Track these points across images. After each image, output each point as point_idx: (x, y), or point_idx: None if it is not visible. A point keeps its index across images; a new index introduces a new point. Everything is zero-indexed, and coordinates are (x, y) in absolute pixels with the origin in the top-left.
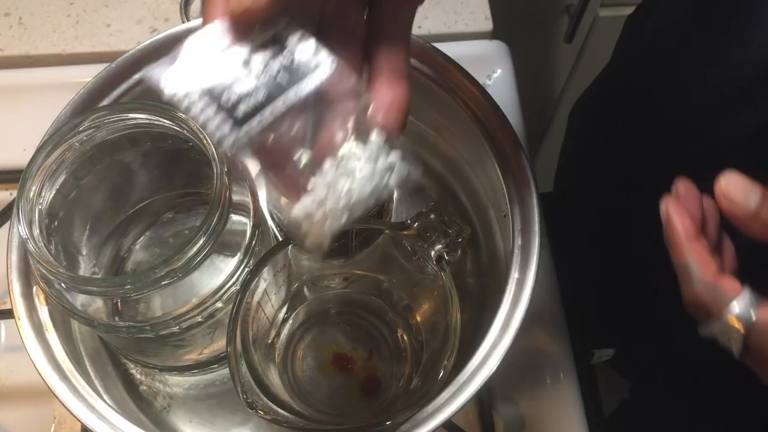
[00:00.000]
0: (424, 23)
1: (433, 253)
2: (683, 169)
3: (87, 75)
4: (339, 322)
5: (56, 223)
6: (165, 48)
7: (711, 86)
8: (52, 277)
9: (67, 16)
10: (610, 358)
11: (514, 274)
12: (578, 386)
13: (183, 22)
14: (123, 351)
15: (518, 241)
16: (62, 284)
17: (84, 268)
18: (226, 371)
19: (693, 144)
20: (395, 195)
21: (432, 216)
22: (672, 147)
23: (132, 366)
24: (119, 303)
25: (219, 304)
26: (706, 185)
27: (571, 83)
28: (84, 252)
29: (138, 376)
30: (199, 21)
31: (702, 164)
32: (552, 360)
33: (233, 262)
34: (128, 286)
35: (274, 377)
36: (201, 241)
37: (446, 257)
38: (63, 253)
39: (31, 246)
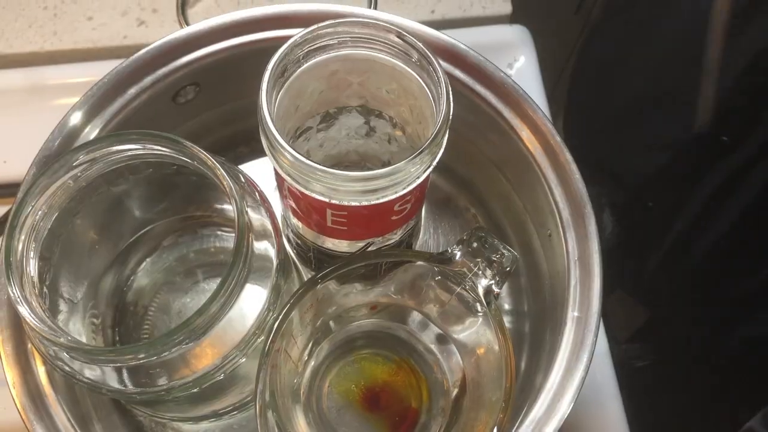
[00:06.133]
0: (437, 7)
1: (479, 287)
2: None
3: (69, 75)
4: (366, 355)
5: (50, 267)
6: (166, 55)
7: None
8: (51, 346)
9: (43, 9)
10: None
11: (573, 312)
12: (622, 408)
13: (180, 26)
14: (132, 405)
15: (575, 273)
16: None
17: (83, 306)
18: (243, 415)
19: None
20: (423, 211)
21: (475, 243)
22: None
23: (140, 415)
24: None
25: (242, 360)
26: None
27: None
28: (81, 288)
29: (147, 424)
30: (202, 25)
31: None
32: (596, 383)
33: (256, 310)
34: (141, 355)
35: (299, 418)
36: (224, 298)
37: (495, 290)
38: (58, 294)
39: (23, 311)
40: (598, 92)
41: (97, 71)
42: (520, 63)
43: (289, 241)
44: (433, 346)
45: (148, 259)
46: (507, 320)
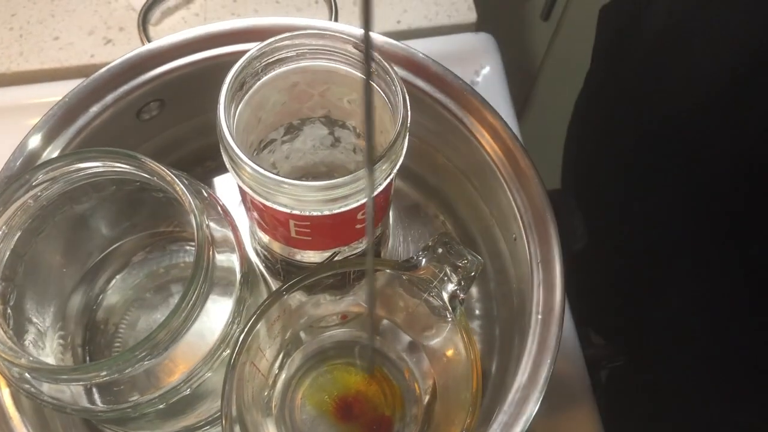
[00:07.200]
0: (403, 17)
1: (444, 293)
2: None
3: (37, 96)
4: (338, 364)
5: (14, 288)
6: (127, 72)
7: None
8: (13, 367)
9: (9, 30)
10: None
11: (537, 315)
12: (596, 409)
13: (142, 42)
14: (102, 424)
15: (539, 275)
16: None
17: (51, 325)
18: (216, 431)
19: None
20: (391, 219)
21: (440, 249)
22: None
23: None
24: None
25: (208, 374)
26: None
27: (548, 62)
28: (49, 307)
29: None
30: (163, 42)
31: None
32: (568, 385)
33: (221, 323)
34: (104, 372)
35: (270, 431)
36: (185, 312)
37: (460, 295)
38: (24, 314)
39: None
40: (597, 154)
41: (65, 91)
42: (485, 71)
43: (257, 254)
44: (404, 354)
45: (117, 276)
46: (477, 325)
